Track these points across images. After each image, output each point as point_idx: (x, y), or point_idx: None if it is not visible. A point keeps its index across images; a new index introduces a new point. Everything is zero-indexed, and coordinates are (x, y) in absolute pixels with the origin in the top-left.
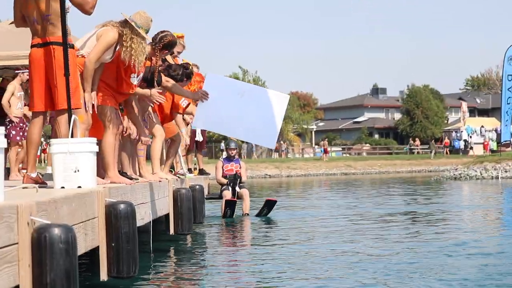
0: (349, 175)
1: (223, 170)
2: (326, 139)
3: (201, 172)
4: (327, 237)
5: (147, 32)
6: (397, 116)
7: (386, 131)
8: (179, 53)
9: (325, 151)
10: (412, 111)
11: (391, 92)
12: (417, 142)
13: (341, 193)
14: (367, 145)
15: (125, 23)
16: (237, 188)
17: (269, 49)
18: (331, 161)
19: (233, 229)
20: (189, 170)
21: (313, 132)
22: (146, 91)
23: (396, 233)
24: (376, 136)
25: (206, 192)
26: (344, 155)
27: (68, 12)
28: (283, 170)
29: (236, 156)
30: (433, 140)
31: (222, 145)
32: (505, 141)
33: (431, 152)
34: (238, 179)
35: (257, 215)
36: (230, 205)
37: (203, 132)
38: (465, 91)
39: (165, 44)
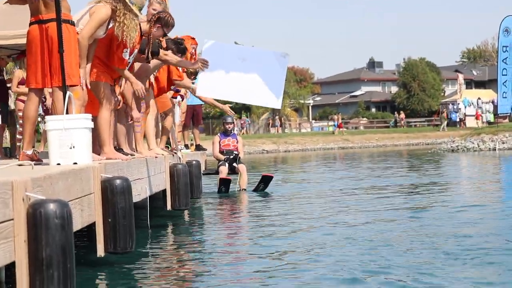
0: (347, 149)
1: (220, 145)
2: (340, 113)
3: (198, 147)
4: (325, 211)
5: (140, 9)
6: (394, 89)
7: (383, 104)
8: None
9: (339, 126)
10: (409, 84)
11: (388, 66)
12: (402, 115)
13: (337, 167)
14: (364, 119)
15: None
16: (234, 164)
17: (265, 24)
18: (328, 136)
19: (230, 205)
20: (186, 146)
21: (310, 107)
22: (133, 80)
23: (390, 205)
24: (373, 109)
25: (203, 168)
26: (340, 130)
27: None
28: (281, 145)
29: (233, 131)
30: (444, 113)
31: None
32: (502, 113)
33: (441, 124)
34: (237, 158)
35: (254, 190)
36: (225, 183)
37: (198, 107)
38: (461, 63)
39: (163, 22)
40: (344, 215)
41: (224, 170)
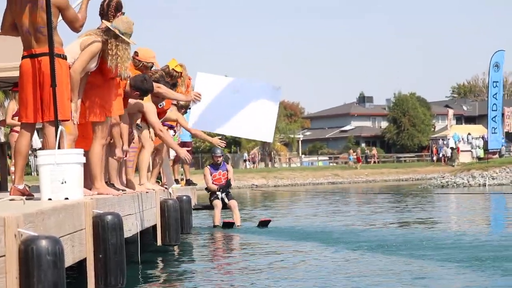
0: (337, 184)
1: (211, 179)
2: (359, 148)
3: (188, 182)
4: (318, 245)
5: (130, 36)
6: (384, 124)
7: (373, 139)
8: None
9: (358, 160)
10: (399, 119)
11: (378, 101)
12: (374, 151)
13: (327, 202)
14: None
15: (108, 31)
16: (225, 199)
17: (256, 58)
18: (318, 170)
19: (220, 240)
20: (176, 181)
21: (299, 142)
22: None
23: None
24: (363, 144)
25: (193, 203)
26: (331, 164)
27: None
28: (270, 180)
29: (222, 162)
30: (456, 149)
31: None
32: (493, 149)
33: (453, 159)
34: (228, 185)
35: None
36: (228, 226)
37: (189, 143)
38: (451, 98)
39: (116, 7)
40: (335, 250)
41: (218, 204)
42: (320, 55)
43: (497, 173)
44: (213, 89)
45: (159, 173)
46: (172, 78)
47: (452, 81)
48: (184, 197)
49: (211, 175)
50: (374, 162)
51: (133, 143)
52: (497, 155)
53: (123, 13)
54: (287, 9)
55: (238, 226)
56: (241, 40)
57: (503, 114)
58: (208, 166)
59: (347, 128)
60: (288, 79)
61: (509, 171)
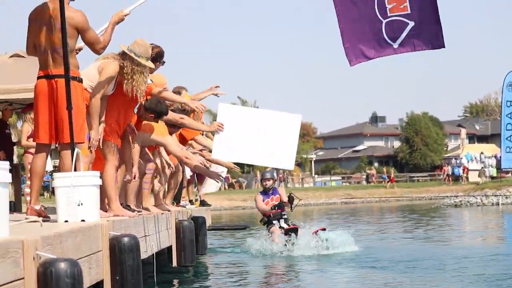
0: (349, 204)
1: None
2: (393, 168)
3: (203, 203)
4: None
5: (147, 59)
6: (397, 144)
7: (385, 159)
8: None
9: (391, 180)
10: (412, 138)
11: (390, 120)
12: (373, 171)
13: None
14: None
15: (124, 55)
16: (283, 225)
17: (267, 79)
18: (331, 190)
19: (236, 261)
20: (191, 202)
21: (312, 162)
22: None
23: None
24: (376, 164)
25: (208, 223)
26: (344, 184)
27: (79, 51)
28: None
29: (273, 186)
30: (463, 169)
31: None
32: (506, 168)
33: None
34: (280, 206)
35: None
36: (292, 231)
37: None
38: (464, 117)
39: (154, 57)
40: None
41: (276, 231)
42: (333, 75)
43: (510, 192)
44: (235, 120)
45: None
46: (185, 113)
47: (464, 100)
48: (199, 218)
49: (263, 201)
50: (373, 182)
51: (150, 166)
52: (510, 174)
53: (163, 63)
54: (298, 28)
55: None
56: (252, 59)
57: None
58: (258, 193)
59: (359, 148)
60: (301, 99)
61: None
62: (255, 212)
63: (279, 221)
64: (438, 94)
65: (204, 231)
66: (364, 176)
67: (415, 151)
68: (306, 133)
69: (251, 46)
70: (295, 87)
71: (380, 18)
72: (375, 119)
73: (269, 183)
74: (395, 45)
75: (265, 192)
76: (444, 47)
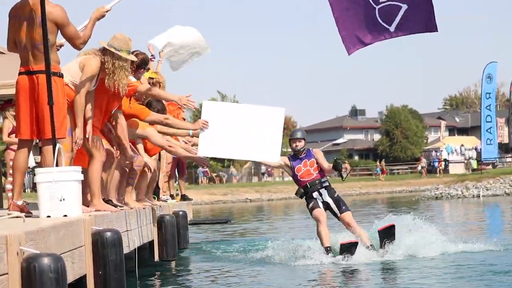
0: None
1: (294, 174)
2: (384, 160)
3: (184, 197)
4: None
5: (129, 52)
6: (377, 137)
7: (365, 152)
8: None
9: (383, 171)
10: (392, 131)
11: (370, 113)
12: (382, 163)
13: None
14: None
15: (105, 50)
16: (335, 209)
17: (247, 73)
18: None
19: (218, 255)
20: (172, 196)
21: None
22: (173, 96)
23: None
24: (356, 157)
25: (189, 218)
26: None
27: (60, 48)
28: (264, 194)
29: (305, 148)
30: (439, 162)
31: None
32: (487, 160)
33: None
34: (323, 178)
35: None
36: (349, 248)
37: (183, 158)
38: (444, 110)
39: (138, 63)
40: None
41: (320, 215)
42: (312, 69)
43: (491, 184)
44: (219, 116)
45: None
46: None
47: (444, 93)
48: (181, 212)
49: (293, 169)
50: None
51: (138, 162)
52: (490, 166)
53: (148, 69)
54: (278, 21)
55: (369, 246)
56: (231, 53)
57: (496, 125)
58: (288, 156)
59: (339, 141)
60: (280, 93)
61: (502, 182)
62: (236, 206)
63: (319, 193)
64: (418, 87)
65: (185, 225)
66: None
67: (395, 144)
68: (286, 127)
69: (230, 40)
70: (274, 81)
71: (373, 4)
72: (354, 112)
73: (300, 145)
74: (392, 29)
75: (296, 156)
76: (437, 30)
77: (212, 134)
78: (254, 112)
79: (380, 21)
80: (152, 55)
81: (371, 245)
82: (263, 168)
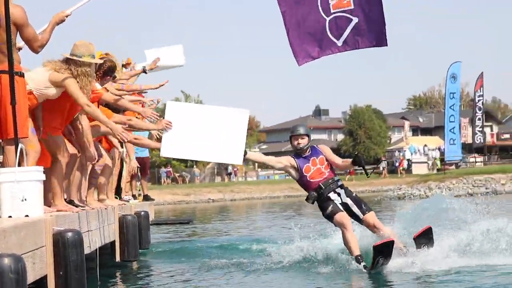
0: (293, 198)
1: (303, 175)
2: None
3: (146, 198)
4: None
5: (93, 56)
6: (340, 137)
7: None
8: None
9: (350, 173)
10: (355, 131)
11: (334, 113)
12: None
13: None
14: None
15: (68, 60)
16: (355, 210)
17: (210, 72)
18: (274, 184)
19: (179, 255)
20: (134, 196)
21: None
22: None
23: None
24: None
25: (151, 218)
26: (287, 177)
27: (19, 50)
28: (227, 194)
29: (309, 145)
30: (399, 162)
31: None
32: (451, 160)
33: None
34: (335, 177)
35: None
36: (385, 250)
37: (146, 159)
38: (407, 110)
39: (105, 70)
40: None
41: (343, 219)
42: (276, 68)
43: (453, 184)
44: (183, 117)
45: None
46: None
47: (408, 93)
48: (142, 213)
49: (300, 170)
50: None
51: (100, 162)
52: (453, 166)
53: (114, 77)
54: (241, 22)
55: (402, 248)
56: (195, 53)
57: (459, 125)
58: (292, 157)
59: None
60: (244, 93)
61: (465, 182)
62: (198, 206)
63: (337, 193)
64: (382, 87)
65: (147, 225)
66: None
67: (359, 144)
68: (249, 127)
69: (194, 40)
70: (238, 81)
71: (324, 16)
72: (318, 112)
73: (303, 142)
74: (339, 43)
75: (299, 155)
76: (387, 45)
77: (175, 135)
78: (218, 114)
79: (329, 34)
80: (144, 67)
81: (404, 246)
82: (230, 168)
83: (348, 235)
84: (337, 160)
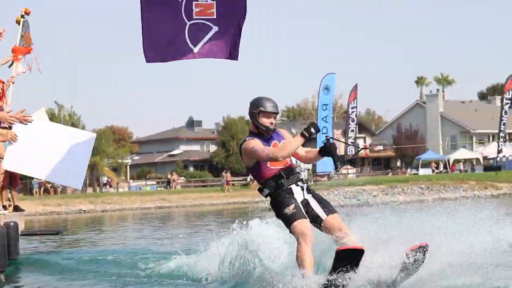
0: (164, 209)
1: (260, 165)
2: (229, 171)
3: (16, 208)
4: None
5: None
6: (213, 148)
7: (201, 163)
8: None
9: (227, 183)
10: (227, 142)
11: (207, 125)
12: (175, 176)
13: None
14: (182, 178)
15: None
16: (318, 210)
17: (83, 83)
18: (145, 195)
19: (48, 266)
20: (4, 207)
21: (128, 166)
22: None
23: None
24: (191, 168)
25: (21, 229)
26: (159, 188)
27: None
28: (98, 205)
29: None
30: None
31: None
32: (322, 172)
33: None
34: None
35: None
36: (352, 257)
37: None
38: (281, 121)
39: None
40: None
41: (306, 228)
42: (148, 78)
43: (325, 195)
44: (30, 132)
45: None
46: None
47: (281, 104)
48: (12, 223)
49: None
50: (175, 187)
51: None
52: (325, 178)
53: None
54: (123, 30)
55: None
56: (68, 65)
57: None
58: (251, 139)
59: (175, 152)
60: (116, 103)
61: (337, 194)
62: (70, 217)
63: (300, 188)
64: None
65: (16, 236)
66: (180, 181)
67: (231, 156)
68: (121, 138)
69: (62, 49)
70: (110, 91)
71: (185, 19)
72: (191, 123)
73: (275, 122)
74: (195, 50)
75: (261, 136)
76: (237, 59)
77: (20, 149)
78: (66, 134)
79: (187, 40)
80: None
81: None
82: (105, 179)
83: (307, 249)
84: (300, 150)
